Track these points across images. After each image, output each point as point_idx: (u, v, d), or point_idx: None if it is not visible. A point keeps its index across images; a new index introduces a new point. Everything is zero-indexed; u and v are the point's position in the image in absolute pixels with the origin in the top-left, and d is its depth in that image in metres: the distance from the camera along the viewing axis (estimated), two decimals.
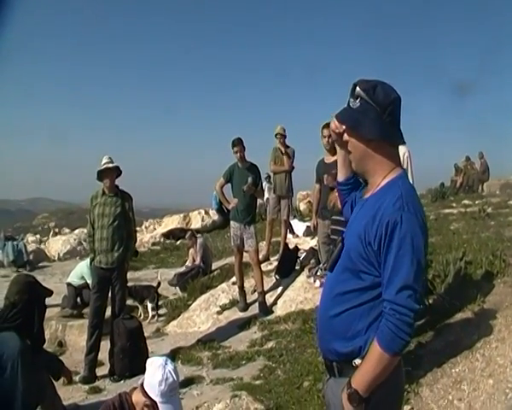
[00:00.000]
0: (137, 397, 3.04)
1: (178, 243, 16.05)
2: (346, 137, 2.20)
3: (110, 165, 6.49)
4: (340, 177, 2.50)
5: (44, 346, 8.08)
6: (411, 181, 5.30)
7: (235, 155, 7.71)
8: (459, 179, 18.69)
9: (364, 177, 2.26)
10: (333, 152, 6.67)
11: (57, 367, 4.63)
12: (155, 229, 20.09)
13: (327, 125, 6.58)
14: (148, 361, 3.12)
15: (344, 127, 2.19)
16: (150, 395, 2.97)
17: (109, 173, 6.49)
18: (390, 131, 2.12)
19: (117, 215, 6.47)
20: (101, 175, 6.51)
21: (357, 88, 2.11)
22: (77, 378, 6.27)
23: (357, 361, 2.08)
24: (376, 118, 2.06)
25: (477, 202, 13.75)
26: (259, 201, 15.14)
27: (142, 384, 3.04)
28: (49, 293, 4.42)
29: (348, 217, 2.45)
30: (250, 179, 7.55)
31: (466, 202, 14.34)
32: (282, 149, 9.15)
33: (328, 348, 2.21)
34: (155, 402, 2.95)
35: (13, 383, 3.66)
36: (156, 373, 2.98)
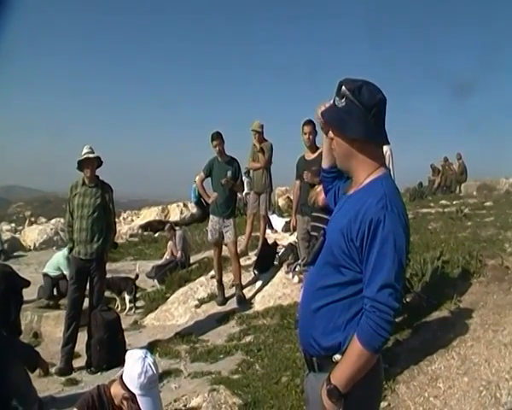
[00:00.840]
0: (116, 389, 3.02)
1: (157, 235, 15.98)
2: (330, 134, 2.23)
3: (91, 155, 6.41)
4: (325, 164, 2.53)
5: (20, 337, 8.03)
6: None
7: (214, 148, 7.71)
8: (437, 179, 18.93)
9: (348, 174, 2.28)
10: (313, 149, 6.68)
11: (33, 358, 4.56)
12: (133, 220, 19.97)
13: (308, 123, 6.58)
14: (128, 354, 3.10)
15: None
16: (129, 387, 2.94)
17: (89, 163, 6.41)
18: (374, 132, 2.13)
19: (97, 206, 6.40)
20: (82, 165, 6.43)
21: (343, 87, 2.11)
22: (53, 370, 6.20)
23: (337, 357, 2.09)
24: (361, 118, 2.08)
25: (454, 203, 13.90)
26: (239, 195, 15.13)
27: (121, 377, 3.01)
28: (27, 283, 4.37)
29: (331, 205, 2.48)
30: (229, 173, 7.57)
31: (444, 202, 14.50)
32: (257, 146, 9.14)
33: (308, 342, 2.22)
34: (134, 395, 2.93)
35: None
36: (135, 366, 2.96)
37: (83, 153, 6.45)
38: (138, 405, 2.94)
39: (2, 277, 4.16)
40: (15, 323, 4.19)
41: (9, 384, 3.93)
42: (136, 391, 2.93)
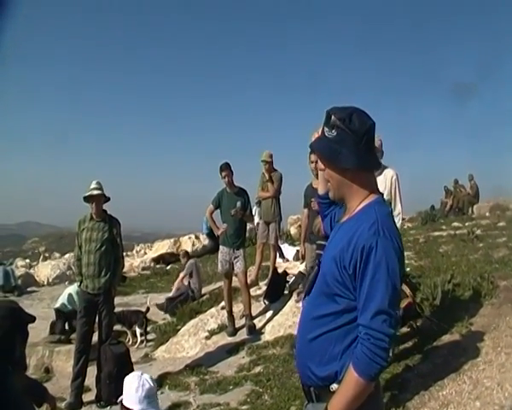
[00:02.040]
0: None
1: (169, 267, 16.00)
2: (321, 166, 2.24)
3: (95, 192, 6.46)
4: (321, 191, 2.52)
5: (31, 372, 8.02)
6: (399, 206, 5.33)
7: (223, 179, 7.72)
8: (449, 202, 18.78)
9: (342, 203, 2.28)
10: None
11: (40, 394, 4.53)
12: (146, 253, 19.99)
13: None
14: (125, 380, 3.11)
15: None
16: (130, 407, 2.94)
17: (95, 199, 6.47)
18: (367, 159, 2.12)
19: (104, 240, 6.44)
20: (88, 200, 6.50)
21: (333, 117, 2.10)
22: (63, 405, 6.20)
23: (334, 386, 2.07)
24: (353, 147, 2.07)
25: (467, 224, 13.79)
26: (250, 225, 15.13)
27: (121, 402, 3.01)
28: (32, 319, 4.35)
29: (328, 232, 2.46)
30: (238, 204, 7.58)
31: (456, 224, 14.39)
32: (267, 176, 9.18)
33: (305, 372, 2.20)
34: None
35: None
36: (132, 383, 3.02)
37: (90, 188, 6.52)
38: None
39: (9, 312, 4.15)
40: (21, 358, 4.17)
41: None
42: (136, 407, 2.94)
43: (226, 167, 7.69)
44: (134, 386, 3.00)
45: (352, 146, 2.06)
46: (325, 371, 2.09)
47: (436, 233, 12.94)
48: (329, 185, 2.22)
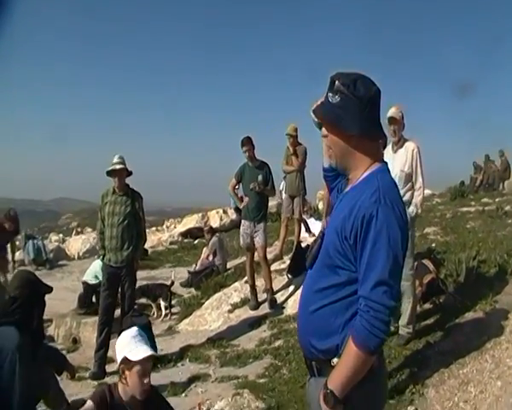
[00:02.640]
0: (127, 377, 3.08)
1: (196, 242, 16.09)
2: (324, 132, 2.16)
3: (117, 166, 6.48)
4: (326, 163, 2.44)
5: (59, 342, 8.21)
6: (421, 178, 5.23)
7: (244, 154, 7.68)
8: (479, 177, 18.43)
9: (345, 172, 2.20)
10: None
11: (59, 362, 4.64)
12: (175, 228, 20.16)
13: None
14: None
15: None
16: (121, 355, 3.06)
17: (118, 173, 6.50)
18: (371, 127, 2.06)
19: (127, 214, 6.48)
20: (111, 174, 6.54)
21: (337, 82, 2.04)
22: (87, 374, 6.32)
23: (335, 360, 2.03)
24: (357, 113, 2.00)
25: (496, 200, 13.52)
26: (278, 200, 15.07)
27: (123, 360, 3.09)
28: (49, 290, 4.45)
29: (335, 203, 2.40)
30: (260, 177, 7.53)
31: (485, 200, 14.11)
32: (291, 149, 9.11)
33: (306, 346, 2.16)
34: (127, 359, 3.02)
35: (11, 376, 3.67)
36: (120, 338, 3.20)
37: (113, 162, 6.55)
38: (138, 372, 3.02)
39: (26, 282, 4.25)
40: (39, 327, 4.27)
41: (36, 387, 4.01)
42: (126, 353, 3.04)
43: (247, 141, 7.65)
44: (122, 338, 3.18)
45: (355, 112, 2.00)
46: (326, 344, 2.05)
47: (464, 209, 12.71)
48: (332, 153, 2.15)
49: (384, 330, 1.89)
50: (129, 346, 3.08)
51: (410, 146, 5.28)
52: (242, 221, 7.93)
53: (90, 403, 3.07)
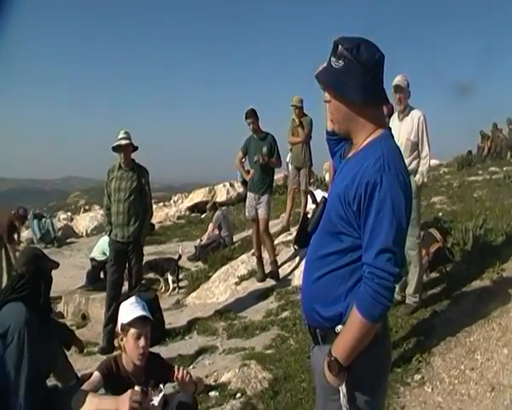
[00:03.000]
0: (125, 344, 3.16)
1: (203, 216, 16.13)
2: (327, 97, 2.11)
3: (123, 142, 6.46)
4: (329, 126, 2.41)
5: (69, 318, 8.29)
6: (427, 147, 5.18)
7: (248, 126, 7.63)
8: (486, 146, 18.27)
9: (348, 137, 2.17)
10: None
11: (67, 337, 4.68)
12: (183, 202, 20.20)
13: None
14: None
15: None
16: (121, 321, 3.18)
17: (124, 148, 6.48)
18: (374, 93, 2.03)
19: (133, 190, 6.47)
20: (117, 149, 6.52)
21: (340, 47, 2.00)
22: (96, 349, 6.38)
23: (339, 328, 2.03)
24: (361, 79, 1.97)
25: (504, 169, 13.41)
26: (284, 172, 15.01)
27: (120, 327, 3.20)
28: (56, 265, 4.47)
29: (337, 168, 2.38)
30: (264, 149, 7.49)
31: (493, 168, 14.01)
32: (297, 121, 9.05)
33: (310, 313, 2.16)
34: (127, 325, 3.13)
35: (19, 352, 3.71)
36: (121, 306, 3.30)
37: (118, 137, 6.53)
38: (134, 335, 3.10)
39: (33, 259, 4.27)
40: (46, 303, 4.29)
41: (45, 362, 4.05)
42: (122, 319, 3.17)
43: (251, 114, 7.59)
44: (120, 308, 3.30)
45: (359, 78, 1.97)
46: (330, 311, 2.05)
47: (472, 178, 12.64)
48: (334, 118, 2.12)
49: (388, 297, 1.89)
50: (124, 312, 3.18)
51: (415, 114, 5.24)
52: (248, 193, 7.93)
53: (96, 374, 3.14)
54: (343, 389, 2.02)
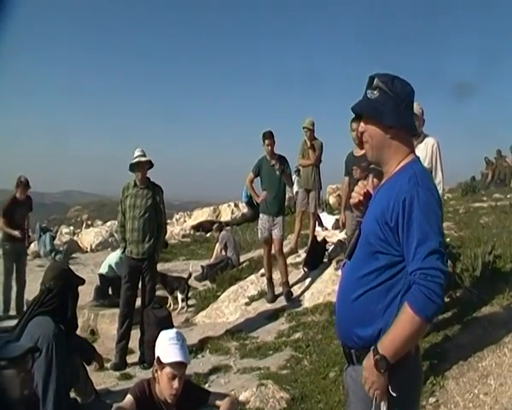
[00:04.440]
0: (159, 377, 3.17)
1: (208, 235, 16.16)
2: (362, 126, 2.27)
3: (142, 159, 6.60)
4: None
5: (76, 332, 8.33)
6: (441, 174, 5.30)
7: (265, 147, 7.75)
8: (490, 173, 18.43)
9: (380, 165, 2.32)
10: (362, 146, 6.65)
11: (89, 352, 4.78)
12: (185, 221, 20.25)
13: (356, 119, 6.56)
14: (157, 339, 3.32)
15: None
16: (162, 354, 3.15)
17: (141, 166, 6.60)
18: (407, 120, 2.23)
19: (148, 207, 6.58)
20: (133, 167, 6.63)
21: (376, 80, 2.20)
22: (108, 365, 6.43)
23: None
24: (395, 107, 2.16)
25: (508, 196, 13.52)
26: (289, 193, 15.17)
27: (157, 358, 3.19)
28: (82, 282, 4.58)
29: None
30: (278, 173, 7.63)
31: (497, 195, 14.14)
32: (308, 143, 9.18)
33: (347, 334, 2.24)
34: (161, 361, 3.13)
35: (48, 365, 3.82)
36: (161, 338, 3.26)
37: (134, 156, 6.65)
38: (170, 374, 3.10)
39: (61, 274, 4.38)
40: (72, 318, 4.40)
41: (68, 376, 4.14)
42: (159, 353, 3.17)
43: (270, 136, 7.73)
44: (160, 336, 3.26)
45: (393, 106, 2.16)
46: (368, 331, 2.13)
47: (476, 204, 12.75)
48: (368, 147, 2.27)
49: (440, 295, 1.95)
50: (163, 346, 3.17)
51: (429, 141, 5.34)
52: (260, 215, 8.00)
53: (129, 397, 3.17)
54: (382, 407, 2.10)
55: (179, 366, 3.13)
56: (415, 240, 2.00)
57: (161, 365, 3.13)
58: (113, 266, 9.42)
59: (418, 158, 2.28)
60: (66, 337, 4.17)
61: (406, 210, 2.02)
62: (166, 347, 3.16)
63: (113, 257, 9.60)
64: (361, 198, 2.40)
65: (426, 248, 1.98)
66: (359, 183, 2.51)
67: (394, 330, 2.00)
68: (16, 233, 8.82)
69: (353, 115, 2.55)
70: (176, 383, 3.11)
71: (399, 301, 2.06)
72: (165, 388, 3.13)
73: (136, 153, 6.67)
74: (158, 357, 3.17)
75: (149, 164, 6.70)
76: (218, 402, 3.32)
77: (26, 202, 9.10)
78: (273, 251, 8.02)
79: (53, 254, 13.91)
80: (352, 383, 2.28)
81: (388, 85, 2.17)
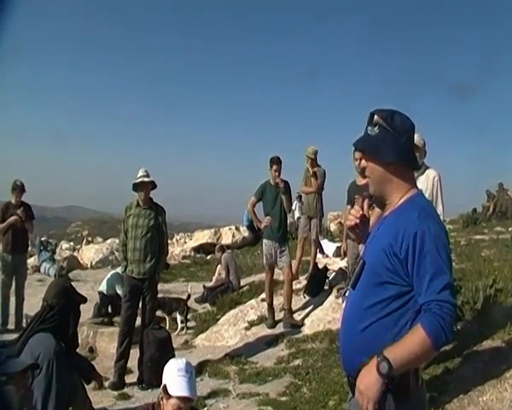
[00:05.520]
0: (164, 406, 3.12)
1: (209, 257, 16.17)
2: (363, 163, 2.35)
3: (146, 179, 6.64)
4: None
5: (76, 350, 8.29)
6: (441, 207, 5.32)
7: (272, 172, 7.78)
8: (492, 206, 18.45)
9: (382, 199, 2.36)
10: (364, 175, 6.67)
11: (89, 371, 4.75)
12: (186, 242, 20.24)
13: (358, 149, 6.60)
14: (166, 365, 3.22)
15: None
16: (170, 388, 3.03)
17: (144, 186, 6.64)
18: (407, 155, 2.27)
19: (150, 227, 6.60)
20: (137, 187, 6.67)
21: (376, 116, 2.25)
22: (106, 384, 6.39)
23: None
24: (395, 143, 2.21)
25: (510, 229, 13.53)
26: (290, 219, 15.19)
27: (164, 386, 3.10)
28: (84, 300, 4.58)
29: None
30: (283, 197, 7.67)
31: (498, 228, 14.17)
32: (311, 171, 9.24)
33: (353, 363, 2.22)
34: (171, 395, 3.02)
35: (48, 382, 3.80)
36: (172, 367, 3.12)
37: (138, 176, 6.70)
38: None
39: (64, 291, 4.38)
40: (73, 336, 4.39)
41: (67, 394, 4.12)
42: (167, 382, 3.05)
43: (278, 161, 7.79)
44: (169, 364, 3.14)
45: (393, 142, 2.21)
46: None
47: (478, 237, 12.78)
48: (370, 181, 2.33)
49: (452, 329, 2.02)
50: (171, 377, 3.08)
51: (430, 174, 5.36)
52: (265, 241, 7.98)
53: None
54: None
55: (186, 401, 3.06)
56: (428, 273, 2.04)
57: (167, 394, 3.05)
58: (113, 285, 9.41)
59: (421, 191, 2.35)
60: (67, 355, 4.16)
61: (418, 243, 2.06)
62: (175, 378, 3.06)
63: (113, 275, 9.59)
64: (357, 221, 2.46)
65: (440, 282, 2.02)
66: (355, 206, 2.55)
67: (403, 343, 2.03)
68: (12, 219, 8.70)
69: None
70: None
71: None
72: None
73: (140, 173, 6.71)
74: (165, 386, 3.08)
75: (152, 184, 6.75)
76: None
77: (21, 206, 8.90)
78: (276, 277, 8.03)
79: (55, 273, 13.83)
80: None
81: (388, 121, 2.22)
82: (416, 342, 1.99)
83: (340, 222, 16.70)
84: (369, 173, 2.30)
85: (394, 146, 2.20)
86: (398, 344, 2.04)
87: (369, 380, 2.04)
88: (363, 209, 2.49)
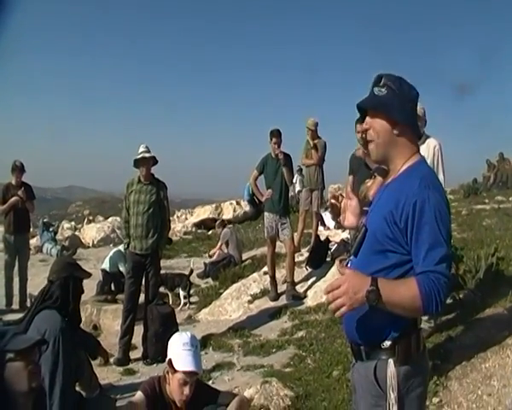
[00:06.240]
0: (170, 379, 3.14)
1: (210, 232, 16.17)
2: (367, 122, 2.28)
3: (146, 155, 6.62)
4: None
5: (79, 326, 8.35)
6: (442, 175, 5.30)
7: (272, 145, 7.75)
8: (492, 175, 18.44)
9: (385, 164, 2.33)
10: (366, 145, 6.63)
11: (94, 347, 4.79)
12: (187, 219, 20.23)
13: (360, 120, 6.54)
14: (170, 339, 3.27)
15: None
16: (176, 362, 3.08)
17: (145, 162, 6.63)
18: (413, 120, 2.27)
19: (152, 203, 6.60)
20: (138, 163, 6.66)
21: (384, 78, 2.23)
22: (111, 360, 6.45)
23: (387, 343, 2.13)
24: (402, 105, 2.19)
25: (511, 199, 13.56)
26: (291, 192, 15.18)
27: (169, 361, 3.13)
28: (88, 275, 4.59)
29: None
30: (284, 170, 7.64)
31: (499, 198, 14.19)
32: (311, 143, 9.20)
33: (356, 330, 2.24)
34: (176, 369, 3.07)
35: (55, 358, 3.83)
36: (176, 341, 3.18)
37: (139, 152, 6.67)
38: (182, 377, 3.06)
39: (64, 267, 4.39)
40: (75, 311, 4.39)
41: (74, 370, 4.15)
42: (172, 357, 3.10)
43: (278, 134, 7.75)
44: (174, 338, 3.19)
45: (401, 104, 2.19)
46: (377, 328, 2.15)
47: (479, 206, 12.80)
48: (373, 146, 2.28)
49: (443, 301, 2.00)
50: (176, 351, 3.11)
51: (431, 143, 5.33)
52: (266, 213, 8.00)
53: (140, 394, 3.14)
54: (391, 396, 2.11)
55: (191, 375, 3.09)
56: (425, 244, 2.03)
57: (172, 368, 3.09)
58: (116, 262, 9.44)
59: (424, 158, 2.31)
60: (71, 331, 4.18)
61: (417, 213, 2.04)
62: (180, 352, 3.09)
63: (116, 253, 9.61)
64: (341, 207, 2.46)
65: (437, 253, 2.01)
66: (345, 200, 2.54)
67: (397, 290, 2.02)
68: (13, 200, 8.70)
69: (357, 116, 2.55)
70: (187, 390, 3.08)
71: None
72: (176, 392, 3.10)
73: (141, 149, 6.69)
74: (170, 360, 3.11)
75: (153, 160, 6.73)
76: (227, 402, 3.27)
77: (22, 186, 8.89)
78: (278, 250, 8.04)
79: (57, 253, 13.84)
80: (361, 379, 2.27)
81: (396, 84, 2.20)
82: (408, 296, 1.99)
83: (341, 194, 16.69)
84: (374, 134, 2.25)
85: (402, 108, 2.18)
86: (394, 285, 2.04)
87: (358, 288, 2.01)
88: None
